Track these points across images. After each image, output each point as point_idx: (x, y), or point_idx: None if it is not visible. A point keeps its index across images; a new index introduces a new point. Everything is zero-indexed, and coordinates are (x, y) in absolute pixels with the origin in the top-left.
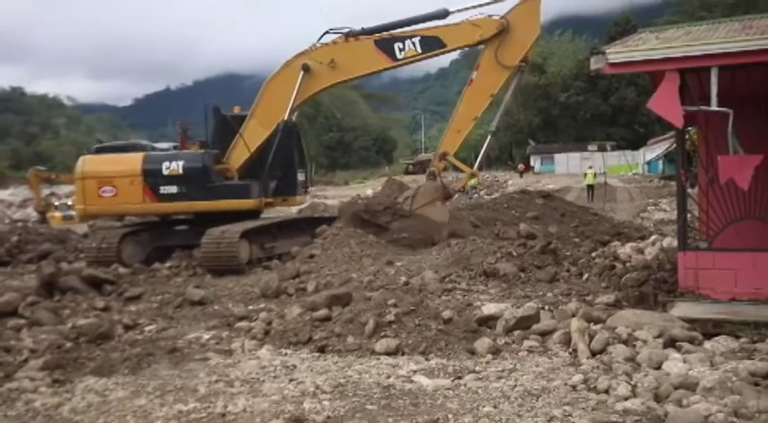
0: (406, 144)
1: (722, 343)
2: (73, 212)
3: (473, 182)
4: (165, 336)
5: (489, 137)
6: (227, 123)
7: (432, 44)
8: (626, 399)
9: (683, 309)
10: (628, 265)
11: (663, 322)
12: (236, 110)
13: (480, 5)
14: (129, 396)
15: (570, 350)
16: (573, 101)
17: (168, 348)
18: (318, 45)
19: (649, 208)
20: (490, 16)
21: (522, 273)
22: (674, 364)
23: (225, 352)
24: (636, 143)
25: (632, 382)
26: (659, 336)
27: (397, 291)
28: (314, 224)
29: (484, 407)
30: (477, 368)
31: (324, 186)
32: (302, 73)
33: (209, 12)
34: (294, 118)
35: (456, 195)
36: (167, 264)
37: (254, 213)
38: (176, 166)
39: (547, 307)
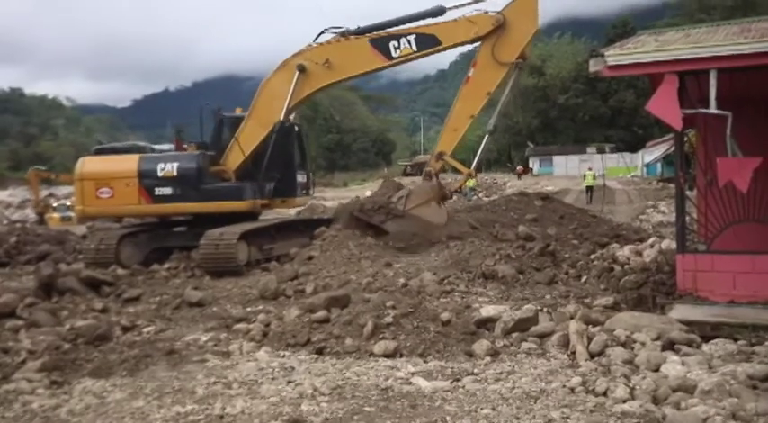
0: (404, 146)
1: (720, 345)
2: (71, 213)
3: (472, 184)
4: (163, 337)
5: (487, 136)
6: (228, 125)
7: (427, 42)
8: (624, 401)
9: (681, 311)
10: (626, 267)
11: (661, 325)
12: (238, 111)
13: (477, 1)
14: (126, 398)
15: (568, 352)
16: (572, 103)
17: (166, 350)
18: (314, 45)
19: (648, 210)
20: (486, 12)
21: (521, 275)
22: (673, 367)
23: (223, 353)
24: (635, 145)
25: (630, 385)
26: (657, 338)
27: (396, 293)
28: (312, 226)
29: (482, 409)
30: (475, 370)
31: (323, 188)
32: (298, 73)
33: (209, 13)
34: (293, 119)
35: (455, 197)
36: (166, 265)
37: (251, 215)
38: (171, 168)
39: (545, 309)
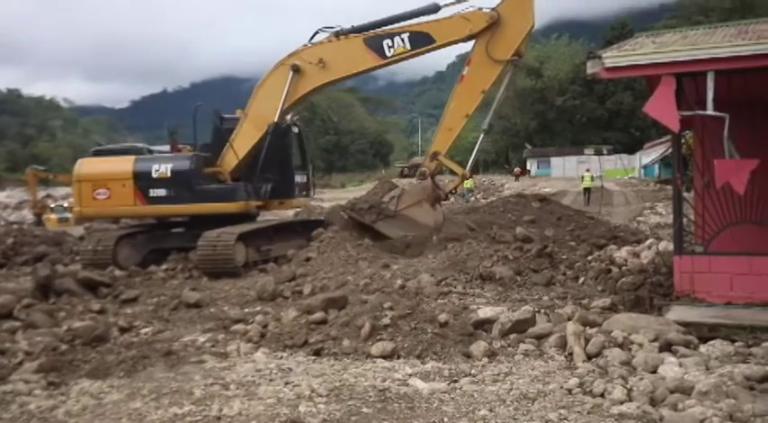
0: (402, 147)
1: (718, 347)
2: (69, 214)
3: (470, 185)
4: (160, 338)
5: (482, 135)
6: (227, 126)
7: (421, 40)
8: (621, 402)
9: (678, 312)
10: (624, 268)
11: (658, 326)
12: (238, 113)
13: None
14: (124, 399)
15: (566, 354)
16: (569, 105)
17: (164, 351)
18: (309, 45)
19: (645, 212)
20: (481, 9)
21: (519, 276)
22: (670, 368)
23: (220, 355)
24: (632, 147)
25: (628, 386)
26: (655, 339)
27: (393, 294)
28: (310, 227)
29: (480, 410)
30: (472, 372)
31: (320, 189)
32: (292, 74)
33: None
34: (290, 119)
35: (452, 199)
36: (163, 266)
37: (246, 216)
38: (164, 169)
39: (543, 310)
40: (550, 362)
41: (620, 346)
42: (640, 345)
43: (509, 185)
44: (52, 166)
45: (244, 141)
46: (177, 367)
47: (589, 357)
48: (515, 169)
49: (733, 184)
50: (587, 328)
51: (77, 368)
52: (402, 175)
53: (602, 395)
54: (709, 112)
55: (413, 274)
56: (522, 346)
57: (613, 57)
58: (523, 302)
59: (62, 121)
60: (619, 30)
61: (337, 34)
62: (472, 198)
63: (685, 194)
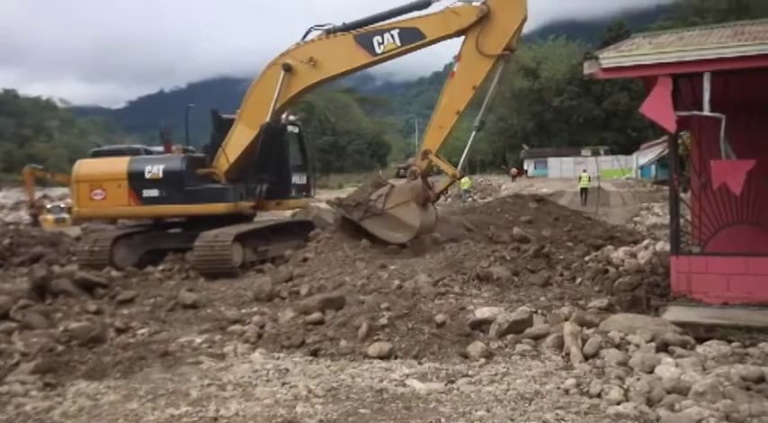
0: (399, 148)
1: (714, 347)
2: (65, 215)
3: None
4: (157, 339)
5: (474, 133)
6: (226, 127)
7: (411, 36)
8: (618, 403)
9: (675, 313)
10: (621, 269)
11: (655, 326)
12: (237, 113)
13: None
14: (120, 400)
15: (563, 354)
16: (566, 105)
17: (160, 352)
18: (300, 43)
19: (642, 212)
20: (471, 3)
21: (516, 277)
22: (667, 369)
23: (217, 355)
24: (629, 148)
25: (625, 387)
26: (652, 340)
27: (391, 294)
28: (307, 227)
29: (477, 411)
30: (469, 372)
31: (318, 190)
32: (283, 73)
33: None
34: (288, 119)
35: (448, 199)
36: (160, 267)
37: (242, 217)
38: (157, 170)
39: (540, 311)
40: (547, 362)
41: (617, 346)
42: (637, 345)
43: (506, 186)
44: (49, 166)
45: (238, 142)
46: (174, 368)
47: (586, 358)
48: (512, 170)
49: (730, 185)
50: (584, 328)
51: (74, 369)
52: (398, 176)
53: (599, 395)
54: (706, 112)
55: (410, 274)
56: (519, 347)
57: (610, 57)
58: (520, 303)
59: (59, 122)
60: (616, 30)
61: (328, 32)
62: (469, 198)
63: (682, 195)
